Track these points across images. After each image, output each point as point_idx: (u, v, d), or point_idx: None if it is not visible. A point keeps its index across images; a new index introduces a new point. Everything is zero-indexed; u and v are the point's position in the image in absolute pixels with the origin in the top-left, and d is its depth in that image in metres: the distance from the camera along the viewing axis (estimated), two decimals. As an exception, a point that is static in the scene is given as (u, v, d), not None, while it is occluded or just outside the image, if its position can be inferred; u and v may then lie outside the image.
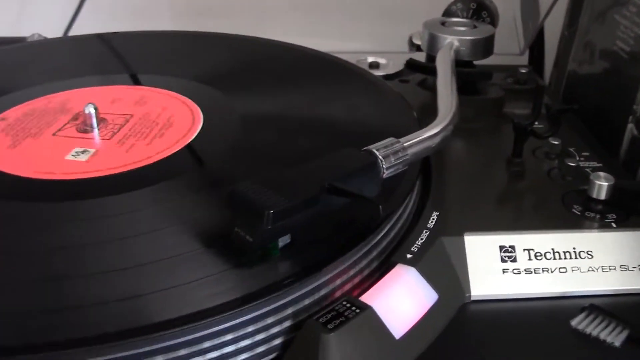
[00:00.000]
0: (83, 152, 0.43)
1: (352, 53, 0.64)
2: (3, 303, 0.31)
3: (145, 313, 0.30)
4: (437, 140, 0.41)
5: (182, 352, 0.30)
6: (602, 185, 0.42)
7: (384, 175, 0.37)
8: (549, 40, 0.70)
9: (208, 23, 0.70)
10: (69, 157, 0.43)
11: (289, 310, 0.32)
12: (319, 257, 0.34)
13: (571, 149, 0.50)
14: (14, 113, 0.49)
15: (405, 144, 0.38)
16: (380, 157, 0.37)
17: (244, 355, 0.32)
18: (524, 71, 0.61)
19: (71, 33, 0.75)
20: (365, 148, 0.37)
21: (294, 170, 0.35)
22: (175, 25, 0.69)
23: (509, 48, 0.68)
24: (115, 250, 0.35)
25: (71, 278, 0.33)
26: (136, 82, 0.55)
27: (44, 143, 0.45)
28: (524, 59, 0.71)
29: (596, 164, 0.48)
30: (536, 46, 0.70)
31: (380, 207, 0.34)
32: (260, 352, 0.32)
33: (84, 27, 0.74)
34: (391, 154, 0.37)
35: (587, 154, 0.50)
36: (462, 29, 0.58)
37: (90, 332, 0.29)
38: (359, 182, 0.36)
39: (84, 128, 0.46)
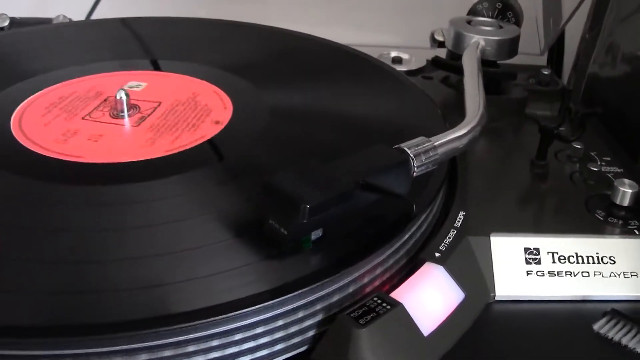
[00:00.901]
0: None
1: (374, 47, 0.65)
2: (38, 283, 0.32)
3: (176, 301, 0.31)
4: (465, 140, 0.41)
5: (215, 342, 0.31)
6: (626, 192, 0.43)
7: (415, 173, 0.37)
8: (568, 41, 0.70)
9: (230, 10, 0.70)
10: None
11: (324, 303, 0.33)
12: (352, 252, 0.34)
13: (593, 153, 0.51)
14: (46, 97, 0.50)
15: (436, 144, 0.39)
16: (411, 155, 0.37)
17: (279, 346, 0.32)
18: (546, 72, 0.61)
19: (94, 16, 0.75)
20: (396, 146, 0.38)
21: (328, 165, 0.35)
22: (197, 12, 0.69)
23: (528, 48, 0.68)
24: (150, 236, 0.35)
25: (100, 263, 0.33)
26: (157, 68, 0.55)
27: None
28: (543, 60, 0.71)
29: (617, 169, 0.49)
30: (556, 47, 0.71)
31: (414, 204, 0.35)
32: (294, 343, 0.33)
33: (106, 10, 0.74)
34: (422, 153, 0.38)
35: (608, 158, 0.50)
36: (489, 28, 0.58)
37: (113, 319, 0.30)
38: (389, 180, 0.36)
39: (115, 113, 0.47)
